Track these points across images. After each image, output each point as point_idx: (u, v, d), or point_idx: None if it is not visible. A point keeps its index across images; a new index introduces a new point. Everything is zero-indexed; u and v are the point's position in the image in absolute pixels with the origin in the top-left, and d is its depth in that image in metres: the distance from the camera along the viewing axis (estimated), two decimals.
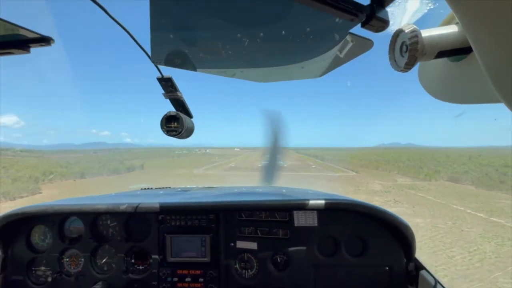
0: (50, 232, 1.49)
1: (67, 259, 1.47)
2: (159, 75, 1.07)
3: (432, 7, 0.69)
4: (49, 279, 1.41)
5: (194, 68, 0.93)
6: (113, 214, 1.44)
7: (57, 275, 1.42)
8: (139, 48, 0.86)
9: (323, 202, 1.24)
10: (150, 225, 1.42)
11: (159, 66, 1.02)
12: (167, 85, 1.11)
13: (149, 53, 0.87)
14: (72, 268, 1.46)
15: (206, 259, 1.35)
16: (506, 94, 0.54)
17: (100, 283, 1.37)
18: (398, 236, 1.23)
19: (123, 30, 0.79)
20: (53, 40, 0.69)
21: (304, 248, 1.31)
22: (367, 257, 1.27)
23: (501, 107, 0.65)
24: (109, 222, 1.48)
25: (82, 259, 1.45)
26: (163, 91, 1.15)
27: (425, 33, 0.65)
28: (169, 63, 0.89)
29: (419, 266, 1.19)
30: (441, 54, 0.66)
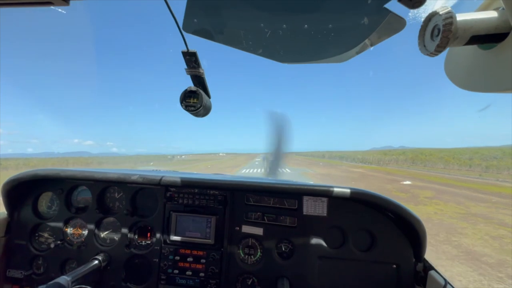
0: (58, 200, 1.50)
1: (71, 228, 1.48)
2: (185, 49, 1.09)
3: None
4: (52, 246, 1.42)
5: (221, 41, 0.95)
6: (122, 186, 1.45)
7: (60, 243, 1.43)
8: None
9: (334, 189, 1.23)
10: (157, 202, 1.43)
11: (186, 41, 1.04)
12: (191, 60, 1.13)
13: (180, 24, 0.89)
14: (75, 237, 1.47)
15: (210, 241, 1.35)
16: None
17: (101, 254, 1.37)
18: (408, 233, 1.21)
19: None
20: None
21: (311, 238, 1.30)
22: (374, 252, 1.25)
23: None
24: (116, 194, 1.49)
25: (86, 230, 1.45)
26: (185, 66, 1.17)
27: (460, 16, 0.66)
28: (199, 33, 0.91)
29: (428, 267, 1.17)
30: (473, 39, 0.67)
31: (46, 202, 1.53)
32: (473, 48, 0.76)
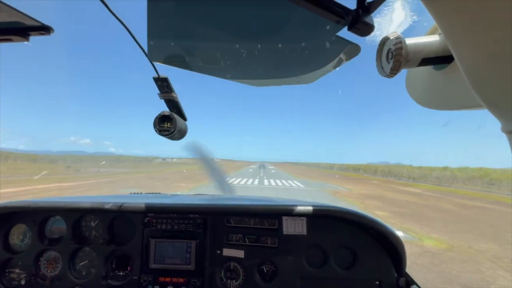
0: (30, 232, 1.43)
1: (45, 262, 1.40)
2: (155, 75, 1.09)
3: (416, 19, 0.74)
4: (22, 282, 1.34)
5: (190, 69, 0.95)
6: (97, 214, 1.40)
7: (31, 278, 1.35)
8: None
9: (311, 208, 1.22)
10: (134, 228, 1.38)
11: (156, 66, 1.05)
12: (163, 85, 1.13)
13: (146, 51, 0.89)
14: (48, 271, 1.39)
15: (190, 267, 1.30)
16: (485, 98, 0.57)
17: None
18: (388, 248, 1.20)
19: (121, 27, 0.81)
20: (52, 29, 0.71)
21: (292, 258, 1.27)
22: (356, 270, 1.23)
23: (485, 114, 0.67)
24: (92, 223, 1.43)
25: (60, 262, 1.38)
26: (158, 92, 1.17)
27: (409, 41, 0.69)
28: (166, 61, 0.92)
29: (410, 281, 1.16)
30: (424, 61, 0.70)
31: (18, 235, 1.46)
32: (428, 68, 0.80)
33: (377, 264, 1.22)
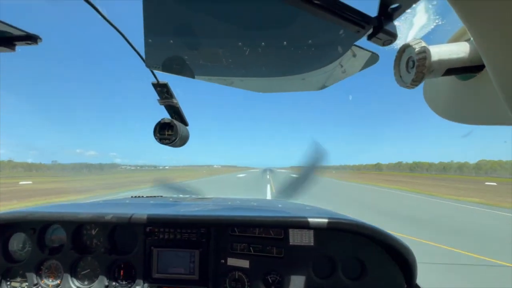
0: (30, 241, 1.40)
1: (46, 271, 1.37)
2: (155, 81, 1.03)
3: (439, 23, 0.67)
4: None
5: (191, 75, 0.89)
6: (97, 223, 1.36)
7: (33, 287, 1.32)
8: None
9: (320, 220, 1.17)
10: (136, 237, 1.34)
11: (155, 72, 0.99)
12: (163, 91, 1.07)
13: (144, 58, 0.83)
14: (50, 280, 1.36)
15: (194, 276, 1.27)
16: None
17: None
18: (398, 259, 1.16)
19: (117, 33, 0.75)
20: (40, 38, 0.65)
21: (299, 268, 1.24)
22: (365, 281, 1.19)
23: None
24: (93, 231, 1.39)
25: (62, 271, 1.35)
26: (158, 97, 1.11)
27: (434, 49, 0.62)
28: (165, 68, 0.85)
29: None
30: (449, 71, 0.63)
31: (17, 243, 1.43)
32: (451, 77, 0.73)
33: (386, 275, 1.18)
